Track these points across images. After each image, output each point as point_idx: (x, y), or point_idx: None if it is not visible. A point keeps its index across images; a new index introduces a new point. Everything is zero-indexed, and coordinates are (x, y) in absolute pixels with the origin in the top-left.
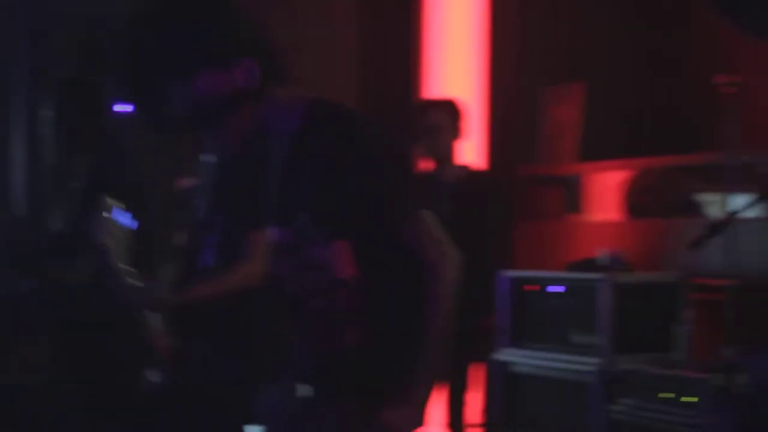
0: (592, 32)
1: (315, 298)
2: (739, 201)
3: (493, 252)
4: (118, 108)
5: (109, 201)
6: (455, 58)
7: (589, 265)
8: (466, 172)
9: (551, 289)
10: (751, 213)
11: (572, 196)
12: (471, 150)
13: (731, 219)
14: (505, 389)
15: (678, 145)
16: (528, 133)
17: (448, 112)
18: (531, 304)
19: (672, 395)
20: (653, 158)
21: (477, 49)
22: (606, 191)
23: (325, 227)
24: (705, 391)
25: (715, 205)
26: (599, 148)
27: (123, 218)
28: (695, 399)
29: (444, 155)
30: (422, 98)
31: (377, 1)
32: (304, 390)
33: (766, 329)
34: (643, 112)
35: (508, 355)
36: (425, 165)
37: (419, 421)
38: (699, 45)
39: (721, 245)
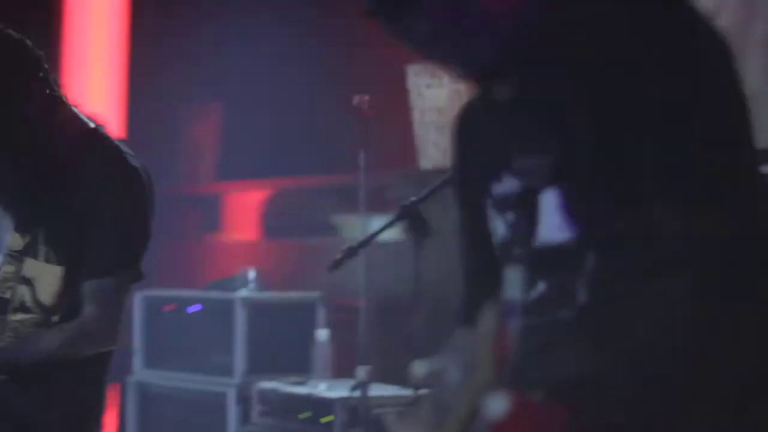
0: (230, 51)
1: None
2: (375, 223)
3: None
4: None
5: None
6: (93, 73)
7: (227, 284)
8: None
9: (190, 308)
10: (388, 235)
11: (211, 215)
12: None
13: (368, 241)
14: (141, 410)
15: (317, 165)
16: (167, 152)
17: None
18: (169, 323)
19: (309, 414)
20: (291, 179)
21: (115, 64)
22: (245, 211)
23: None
24: (340, 410)
25: (353, 226)
26: (239, 168)
27: None
28: (331, 418)
29: None
30: None
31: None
32: None
33: (401, 349)
34: (282, 132)
35: (145, 375)
36: None
37: None
38: (338, 65)
39: (359, 266)
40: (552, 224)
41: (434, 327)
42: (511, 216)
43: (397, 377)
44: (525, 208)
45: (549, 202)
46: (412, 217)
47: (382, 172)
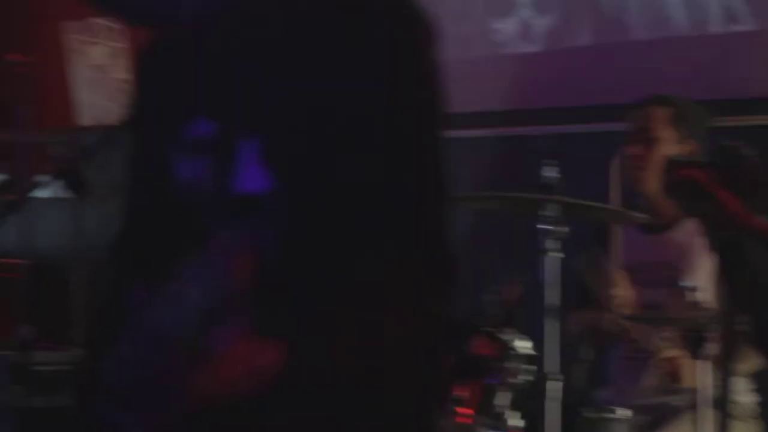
0: None
1: None
2: (34, 181)
3: None
4: None
5: None
6: None
7: None
8: None
9: None
10: (46, 193)
11: None
12: None
13: (26, 199)
14: None
15: None
16: None
17: None
18: None
19: None
20: None
21: None
22: None
23: None
24: (2, 369)
25: (4, 183)
26: None
27: None
28: None
29: None
30: None
31: None
32: None
33: (61, 308)
34: None
35: None
36: None
37: None
38: None
39: (16, 224)
40: (248, 173)
41: (94, 286)
42: (203, 160)
43: (57, 335)
44: (220, 153)
45: (247, 151)
46: (71, 176)
47: (39, 130)
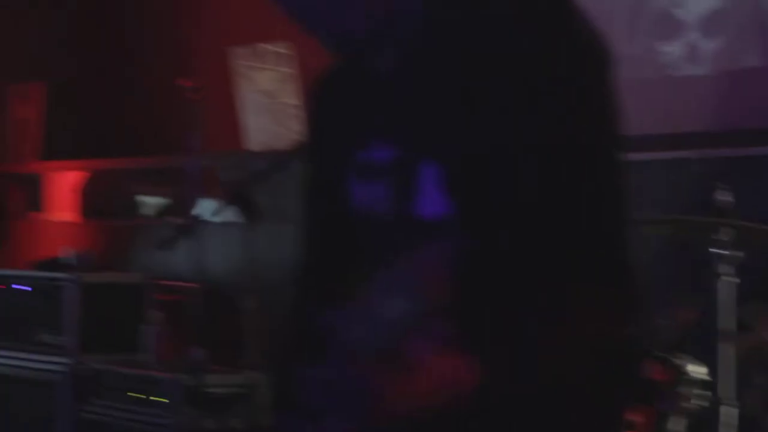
0: (55, 29)
1: None
2: (204, 206)
3: None
4: None
5: None
6: None
7: (54, 264)
8: None
9: (17, 287)
10: (217, 218)
11: (34, 194)
12: None
13: (197, 223)
14: None
15: (138, 147)
16: None
17: None
18: None
19: (142, 395)
20: (109, 160)
21: None
22: (65, 191)
23: None
24: (173, 391)
25: (174, 208)
26: (61, 148)
27: None
28: (165, 399)
29: None
30: None
31: None
32: None
33: (233, 331)
34: (104, 113)
35: None
36: None
37: None
38: (160, 46)
39: (188, 249)
40: (427, 198)
41: (265, 310)
42: (381, 183)
43: (229, 358)
44: (399, 178)
45: (428, 175)
46: (243, 200)
47: (208, 154)
